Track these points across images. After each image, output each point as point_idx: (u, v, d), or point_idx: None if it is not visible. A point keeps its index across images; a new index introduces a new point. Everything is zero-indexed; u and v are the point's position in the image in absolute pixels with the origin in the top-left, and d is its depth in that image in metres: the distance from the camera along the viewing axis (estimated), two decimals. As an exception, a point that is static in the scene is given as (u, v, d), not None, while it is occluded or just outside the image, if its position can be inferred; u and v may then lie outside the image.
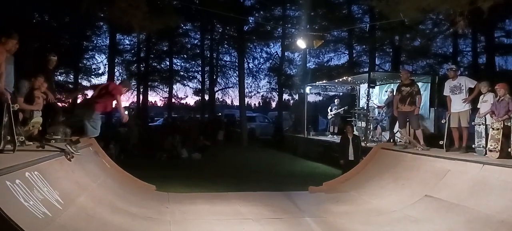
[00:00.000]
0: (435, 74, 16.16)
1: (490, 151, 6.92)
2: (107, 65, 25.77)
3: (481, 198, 5.55)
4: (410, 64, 23.67)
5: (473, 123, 7.85)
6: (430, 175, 7.06)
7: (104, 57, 26.57)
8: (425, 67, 23.27)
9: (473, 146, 7.77)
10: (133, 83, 28.26)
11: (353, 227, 5.74)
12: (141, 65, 27.93)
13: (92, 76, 27.01)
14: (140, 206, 6.50)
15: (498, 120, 6.91)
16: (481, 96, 7.63)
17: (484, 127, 7.45)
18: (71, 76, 25.77)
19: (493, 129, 6.99)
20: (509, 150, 6.60)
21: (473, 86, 7.99)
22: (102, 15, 21.60)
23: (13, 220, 3.30)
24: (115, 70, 26.46)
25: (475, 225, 5.05)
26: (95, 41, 26.52)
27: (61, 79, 24.74)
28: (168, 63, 28.45)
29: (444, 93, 8.53)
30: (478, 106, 7.74)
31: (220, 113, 31.83)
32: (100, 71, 26.89)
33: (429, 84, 13.28)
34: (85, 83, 27.24)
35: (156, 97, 32.71)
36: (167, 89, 29.01)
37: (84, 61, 26.55)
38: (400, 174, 7.80)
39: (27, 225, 3.43)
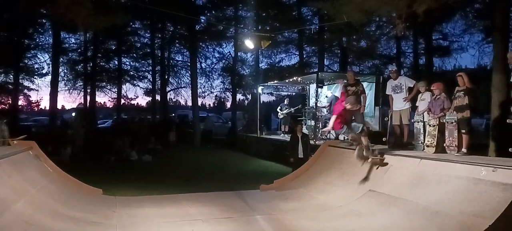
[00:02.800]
0: (380, 74, 16.97)
1: (427, 146, 7.38)
2: (51, 65, 24.43)
3: (419, 190, 5.92)
4: (357, 64, 24.60)
5: (412, 120, 8.34)
6: (374, 170, 7.40)
7: (47, 56, 25.24)
8: (371, 68, 24.28)
9: (413, 142, 8.25)
10: (79, 84, 27.15)
11: (301, 223, 5.89)
12: (88, 65, 26.76)
13: (35, 77, 25.62)
14: (85, 211, 6.26)
15: (434, 117, 7.38)
16: (419, 95, 8.13)
17: (422, 124, 7.93)
18: (11, 76, 24.20)
19: (429, 125, 7.45)
20: (444, 144, 7.08)
21: (412, 86, 8.49)
22: (44, 11, 20.47)
23: None
24: (60, 70, 25.22)
25: (413, 216, 5.38)
26: (38, 39, 25.11)
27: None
28: (117, 62, 27.46)
29: (386, 93, 9.00)
30: (416, 105, 8.23)
31: (173, 114, 31.24)
32: (43, 71, 25.59)
33: (374, 84, 13.89)
34: (27, 83, 25.81)
35: (104, 98, 31.53)
36: (116, 90, 28.04)
37: (26, 61, 25.08)
38: (346, 170, 8.09)
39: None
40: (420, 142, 7.92)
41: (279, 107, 16.78)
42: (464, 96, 6.89)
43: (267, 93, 21.66)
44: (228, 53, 28.14)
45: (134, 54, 27.84)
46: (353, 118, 9.48)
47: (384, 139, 8.80)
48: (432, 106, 7.52)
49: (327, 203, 7.00)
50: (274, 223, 5.91)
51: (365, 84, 11.93)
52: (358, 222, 5.72)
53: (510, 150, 6.08)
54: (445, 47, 23.60)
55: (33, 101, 27.99)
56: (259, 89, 18.68)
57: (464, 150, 6.77)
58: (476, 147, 7.99)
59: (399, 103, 8.59)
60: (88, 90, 26.85)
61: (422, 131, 7.92)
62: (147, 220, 6.06)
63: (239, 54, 26.91)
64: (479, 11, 19.14)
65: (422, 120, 8.00)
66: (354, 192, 7.05)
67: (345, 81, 10.39)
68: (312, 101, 15.83)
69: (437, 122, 7.29)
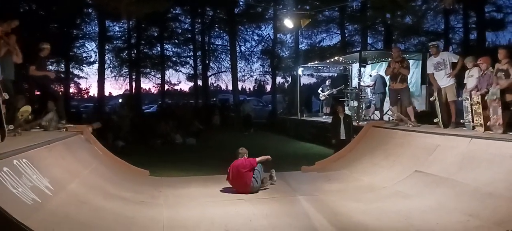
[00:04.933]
0: (427, 52, 16.15)
1: (477, 125, 6.98)
2: (97, 53, 25.53)
3: (469, 171, 5.64)
4: (402, 42, 23.62)
5: (460, 98, 7.91)
6: (420, 150, 7.15)
7: (94, 45, 26.34)
8: (417, 45, 23.25)
9: (461, 120, 7.83)
10: (125, 71, 28.18)
11: (344, 204, 5.81)
12: (132, 52, 27.67)
13: (84, 65, 26.86)
14: (133, 191, 6.53)
15: (476, 94, 6.97)
16: (467, 72, 7.68)
17: (470, 101, 7.50)
18: (62, 65, 25.53)
19: (474, 103, 7.05)
20: (488, 123, 6.65)
21: (456, 61, 8.04)
22: (89, 1, 21.30)
23: (1, 206, 3.30)
24: (106, 57, 26.28)
25: (463, 198, 5.14)
26: (85, 29, 26.18)
27: (52, 68, 24.55)
28: (159, 49, 28.20)
29: (428, 72, 8.62)
30: (464, 82, 7.78)
31: (214, 99, 31.74)
32: (91, 60, 26.74)
33: (421, 61, 13.30)
34: (76, 72, 27.17)
35: (149, 84, 32.57)
36: (160, 76, 28.85)
37: (75, 50, 26.31)
38: (391, 151, 7.88)
39: (15, 211, 3.43)
40: (468, 121, 7.50)
41: (320, 89, 16.51)
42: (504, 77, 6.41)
43: (308, 75, 21.42)
44: (267, 36, 28.04)
45: (176, 40, 28.48)
46: (399, 96, 9.25)
47: (435, 120, 8.36)
48: (479, 82, 7.09)
49: (372, 184, 6.86)
50: (317, 204, 5.87)
51: (411, 62, 11.46)
52: (404, 203, 5.55)
53: None
54: (499, 20, 22.05)
55: (83, 89, 29.47)
56: (299, 71, 18.47)
57: None
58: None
59: (442, 80, 8.17)
60: (133, 77, 27.85)
61: (470, 109, 7.49)
62: (191, 200, 6.23)
63: (278, 36, 26.71)
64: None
65: (469, 97, 7.57)
66: (399, 173, 6.85)
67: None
68: (355, 82, 15.46)
69: (479, 99, 6.86)
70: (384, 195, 6.13)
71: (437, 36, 23.02)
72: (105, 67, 25.99)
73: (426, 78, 12.83)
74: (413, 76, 12.91)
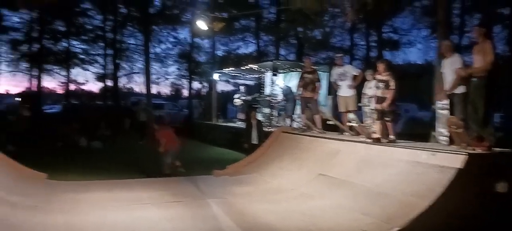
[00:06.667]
0: (334, 64, 17.34)
1: (373, 132, 7.67)
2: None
3: (366, 174, 6.19)
4: (312, 55, 24.99)
5: (359, 104, 8.66)
6: (324, 155, 7.61)
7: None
8: (325, 59, 24.88)
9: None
10: (24, 66, 25.53)
11: (252, 206, 5.94)
12: (32, 46, 25.16)
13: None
14: (25, 195, 5.91)
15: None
16: (366, 83, 8.45)
17: (369, 108, 8.25)
18: None
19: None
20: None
21: (357, 74, 8.80)
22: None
23: None
24: (1, 50, 23.60)
25: (359, 198, 5.62)
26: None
27: None
28: (65, 45, 26.09)
29: (331, 80, 9.29)
30: (363, 92, 8.55)
31: (123, 101, 30.19)
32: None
33: (328, 73, 14.20)
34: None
35: (53, 83, 29.87)
36: (65, 74, 26.68)
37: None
38: (298, 155, 8.26)
39: None
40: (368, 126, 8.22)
41: (237, 95, 16.71)
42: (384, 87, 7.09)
43: (224, 81, 21.53)
44: (184, 39, 27.67)
45: (84, 37, 26.54)
46: (309, 105, 9.74)
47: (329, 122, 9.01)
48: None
49: (280, 187, 7.11)
50: (225, 207, 5.91)
51: (319, 73, 12.17)
52: (308, 203, 5.87)
53: None
54: (395, 41, 24.71)
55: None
56: (216, 76, 18.51)
57: (391, 136, 7.07)
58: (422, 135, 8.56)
59: (344, 90, 8.87)
60: (35, 74, 25.35)
61: (369, 114, 8.22)
62: (93, 204, 5.82)
63: (195, 40, 26.51)
64: (425, 8, 20.21)
65: (368, 104, 8.31)
66: (305, 175, 7.22)
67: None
68: (268, 90, 15.94)
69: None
70: (291, 197, 6.40)
71: (343, 52, 24.91)
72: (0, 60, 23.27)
73: (332, 90, 13.80)
74: (321, 87, 13.72)
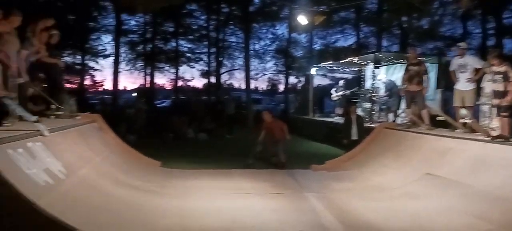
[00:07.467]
0: (443, 56, 15.93)
1: (492, 129, 6.86)
2: (113, 46, 25.89)
3: (480, 174, 5.56)
4: (418, 46, 23.29)
5: (477, 102, 7.78)
6: (432, 153, 7.06)
7: (110, 38, 26.68)
8: (433, 50, 22.95)
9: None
10: (139, 65, 28.49)
11: (352, 202, 5.79)
12: (147, 47, 27.92)
13: (99, 57, 27.21)
14: (144, 180, 6.61)
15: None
16: (485, 76, 7.55)
17: (488, 106, 7.38)
18: (78, 57, 25.94)
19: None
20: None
21: (480, 67, 7.87)
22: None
23: (14, 186, 3.38)
24: (121, 51, 26.62)
25: (472, 201, 5.07)
26: (101, 22, 26.54)
27: (69, 60, 24.96)
28: (174, 44, 28.41)
29: (450, 69, 8.43)
30: (481, 86, 7.66)
31: (226, 96, 31.75)
32: (107, 53, 27.06)
33: (437, 66, 13.12)
34: (92, 64, 27.55)
35: (163, 80, 32.83)
36: (174, 71, 29.07)
37: (91, 42, 26.66)
38: (402, 152, 7.81)
39: (27, 191, 3.51)
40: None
41: (334, 89, 16.42)
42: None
43: (321, 75, 21.28)
44: (282, 35, 27.99)
45: (191, 36, 28.59)
46: (415, 99, 9.10)
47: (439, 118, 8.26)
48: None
49: (382, 185, 6.80)
50: (325, 201, 5.86)
51: (426, 65, 11.30)
52: (413, 204, 5.52)
53: None
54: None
55: (98, 81, 29.87)
56: (313, 70, 18.39)
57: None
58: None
59: (462, 84, 8.04)
60: (148, 71, 28.13)
61: (488, 113, 7.37)
62: (201, 191, 6.29)
63: (292, 35, 26.65)
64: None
65: (486, 102, 7.44)
66: (409, 174, 6.78)
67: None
68: (368, 83, 15.34)
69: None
70: (393, 196, 6.08)
71: (454, 42, 22.69)
72: (120, 60, 26.30)
73: (441, 83, 12.70)
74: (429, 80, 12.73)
